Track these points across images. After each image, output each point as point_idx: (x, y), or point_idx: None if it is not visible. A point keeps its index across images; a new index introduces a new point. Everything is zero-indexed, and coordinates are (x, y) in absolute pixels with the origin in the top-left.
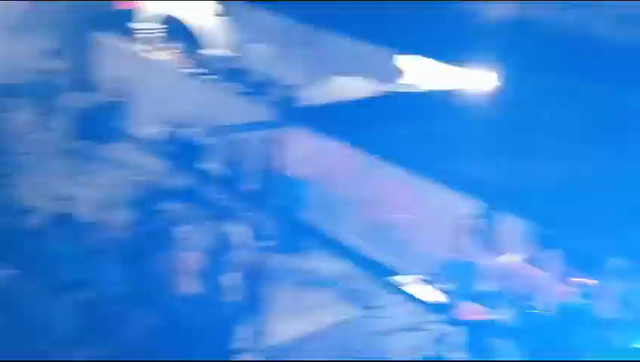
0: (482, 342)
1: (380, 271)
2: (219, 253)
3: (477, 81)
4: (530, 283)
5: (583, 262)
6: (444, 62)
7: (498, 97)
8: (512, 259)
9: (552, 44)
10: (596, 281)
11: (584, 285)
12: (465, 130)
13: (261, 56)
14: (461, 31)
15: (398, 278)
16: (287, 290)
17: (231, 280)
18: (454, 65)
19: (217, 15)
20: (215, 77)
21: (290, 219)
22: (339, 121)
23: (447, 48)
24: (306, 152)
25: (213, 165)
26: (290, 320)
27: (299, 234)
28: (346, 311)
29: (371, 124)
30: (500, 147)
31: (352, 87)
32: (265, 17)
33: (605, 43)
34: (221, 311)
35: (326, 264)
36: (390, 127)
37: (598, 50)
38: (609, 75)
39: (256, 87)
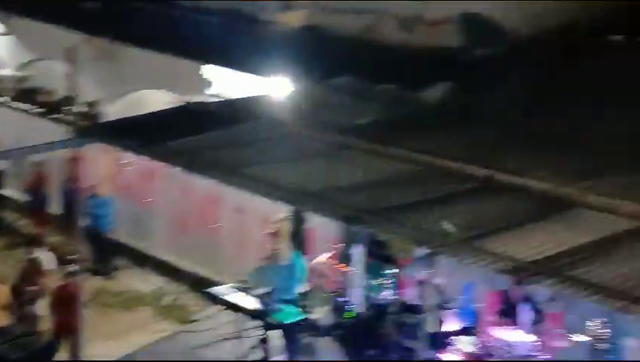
0: (302, 343)
1: (196, 284)
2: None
3: (275, 87)
4: (340, 282)
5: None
6: (243, 70)
7: (297, 102)
8: (322, 258)
9: (340, 49)
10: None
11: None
12: (268, 135)
13: (54, 74)
14: (258, 41)
15: (214, 289)
16: (101, 313)
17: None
18: (253, 73)
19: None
20: (6, 98)
21: (98, 238)
22: (142, 134)
23: (246, 58)
24: (110, 169)
25: (11, 190)
26: (106, 343)
27: (109, 254)
28: (164, 328)
29: (176, 135)
30: (303, 150)
31: (155, 100)
32: (57, 33)
33: (389, 46)
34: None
35: (140, 282)
36: (195, 136)
37: (385, 52)
38: (398, 76)
39: (53, 106)
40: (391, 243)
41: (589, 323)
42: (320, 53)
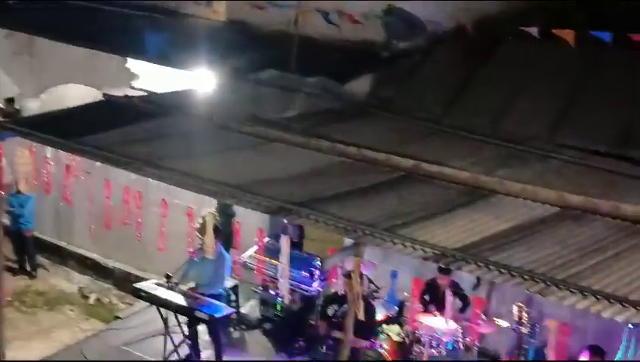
0: (230, 337)
1: (121, 281)
2: None
3: (199, 81)
4: (268, 275)
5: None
6: (166, 65)
7: (221, 96)
8: (249, 252)
9: (264, 43)
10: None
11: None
12: (192, 129)
13: None
14: (181, 34)
15: (139, 285)
16: (25, 312)
17: None
18: (176, 67)
19: None
20: None
21: (20, 237)
22: (63, 129)
23: (168, 52)
24: (30, 165)
25: None
26: (30, 343)
27: (31, 252)
28: (89, 327)
29: (97, 129)
30: (228, 143)
31: (76, 95)
32: None
33: (313, 40)
34: None
35: (64, 280)
36: (117, 130)
37: (309, 46)
38: (323, 70)
39: None
40: (315, 234)
41: (511, 308)
42: (243, 47)
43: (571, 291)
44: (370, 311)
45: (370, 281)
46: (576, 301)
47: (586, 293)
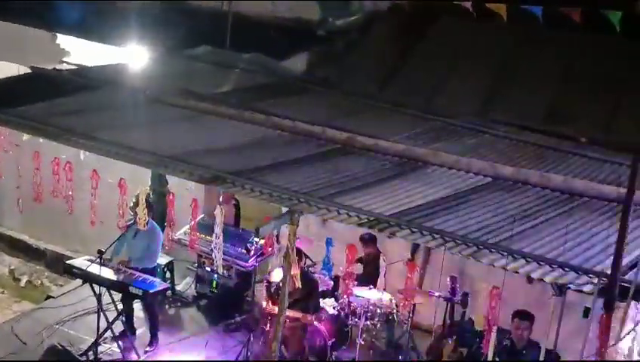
0: (165, 314)
1: (52, 261)
2: None
3: (132, 57)
4: (203, 250)
5: None
6: (99, 41)
7: (155, 70)
8: (184, 228)
9: (199, 20)
10: None
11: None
12: (125, 102)
13: None
14: (114, 11)
15: (71, 262)
16: None
17: None
18: (109, 43)
19: None
20: None
21: None
22: None
23: (101, 28)
24: None
25: None
26: None
27: None
28: (22, 309)
29: (26, 101)
30: (162, 116)
31: (4, 71)
32: None
33: (249, 17)
34: None
35: None
36: (47, 102)
37: (244, 24)
38: (259, 47)
39: None
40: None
41: (444, 280)
42: (177, 24)
43: (502, 254)
44: (313, 284)
45: (306, 256)
46: (507, 263)
47: (516, 256)
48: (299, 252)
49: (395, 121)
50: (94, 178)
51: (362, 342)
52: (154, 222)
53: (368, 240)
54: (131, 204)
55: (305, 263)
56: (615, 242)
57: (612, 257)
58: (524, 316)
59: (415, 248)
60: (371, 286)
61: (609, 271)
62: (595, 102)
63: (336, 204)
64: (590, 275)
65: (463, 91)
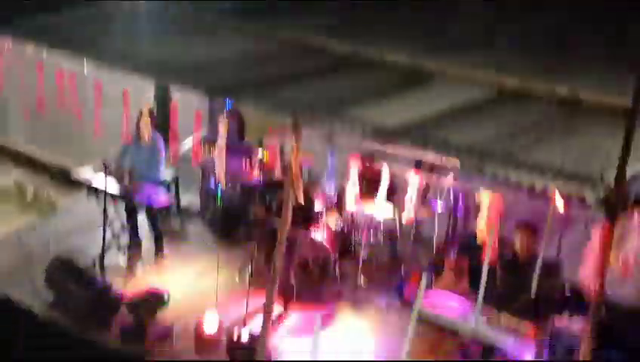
0: (170, 227)
1: (58, 173)
2: None
3: None
4: (208, 164)
5: None
6: None
7: None
8: (188, 141)
9: None
10: None
11: None
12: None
13: None
14: None
15: (76, 174)
16: None
17: None
18: None
19: None
20: None
21: None
22: None
23: None
24: None
25: None
26: None
27: None
28: (28, 221)
29: (27, 12)
30: (166, 28)
31: None
32: None
33: None
34: None
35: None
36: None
37: None
38: None
39: None
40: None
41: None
42: None
43: (506, 165)
44: (311, 198)
45: (309, 172)
46: (510, 174)
47: (519, 167)
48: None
49: (401, 34)
50: (98, 90)
51: (365, 256)
52: (157, 134)
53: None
54: (135, 120)
55: (309, 178)
56: (620, 153)
57: (616, 167)
58: (527, 227)
59: (419, 161)
60: (375, 201)
61: (612, 181)
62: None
63: (340, 116)
64: (593, 185)
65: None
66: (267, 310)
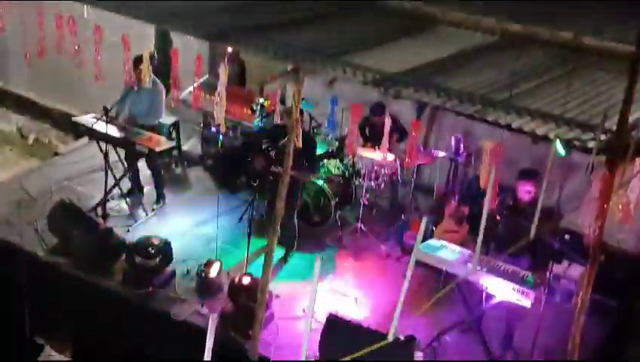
0: (171, 172)
1: (59, 119)
2: None
3: None
4: (208, 110)
5: None
6: None
7: None
8: (189, 88)
9: None
10: None
11: None
12: None
13: None
14: None
15: (77, 119)
16: None
17: None
18: None
19: None
20: None
21: None
22: None
23: None
24: None
25: None
26: None
27: None
28: (30, 166)
29: None
30: None
31: None
32: None
33: None
34: None
35: (1, 121)
36: None
37: None
38: None
39: None
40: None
41: (449, 141)
42: None
43: (508, 111)
44: (311, 144)
45: (311, 117)
46: (511, 120)
47: (521, 113)
48: (302, 111)
49: None
50: (98, 33)
51: (366, 202)
52: (156, 79)
53: (379, 109)
54: (135, 56)
55: (311, 125)
56: (622, 100)
57: (618, 114)
58: (528, 174)
59: (421, 108)
60: (376, 148)
61: (614, 128)
62: None
63: (341, 63)
64: (595, 132)
65: None
66: (268, 255)
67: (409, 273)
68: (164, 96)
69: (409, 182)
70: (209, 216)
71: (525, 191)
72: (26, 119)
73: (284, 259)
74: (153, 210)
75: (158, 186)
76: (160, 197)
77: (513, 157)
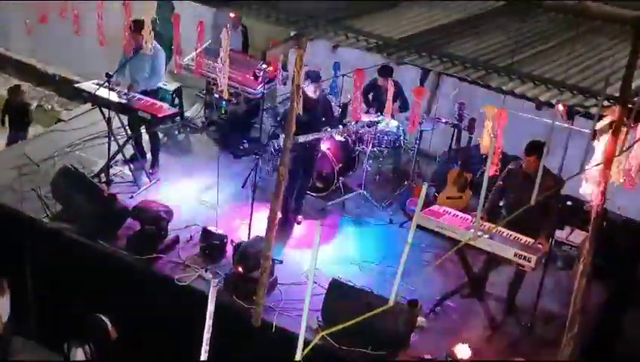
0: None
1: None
2: None
3: None
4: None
5: None
6: None
7: None
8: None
9: None
10: None
11: None
12: None
13: None
14: None
15: (80, 85)
16: None
17: None
18: None
19: None
20: None
21: None
22: None
23: None
24: None
25: None
26: None
27: None
28: (33, 132)
29: None
30: None
31: None
32: None
33: None
34: None
35: (3, 88)
36: None
37: None
38: None
39: None
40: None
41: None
42: None
43: (511, 77)
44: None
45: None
46: (515, 87)
47: (525, 79)
48: (315, 73)
49: None
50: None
51: (369, 168)
52: (157, 44)
53: (387, 74)
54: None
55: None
56: (625, 66)
57: (621, 79)
58: (534, 149)
59: (425, 74)
60: (379, 114)
61: (617, 94)
62: None
63: (344, 28)
64: (598, 97)
65: None
66: (271, 221)
67: (410, 237)
68: (167, 63)
69: (412, 148)
70: (212, 182)
71: (531, 163)
72: (29, 85)
73: (286, 226)
74: (150, 174)
75: (155, 152)
76: (155, 164)
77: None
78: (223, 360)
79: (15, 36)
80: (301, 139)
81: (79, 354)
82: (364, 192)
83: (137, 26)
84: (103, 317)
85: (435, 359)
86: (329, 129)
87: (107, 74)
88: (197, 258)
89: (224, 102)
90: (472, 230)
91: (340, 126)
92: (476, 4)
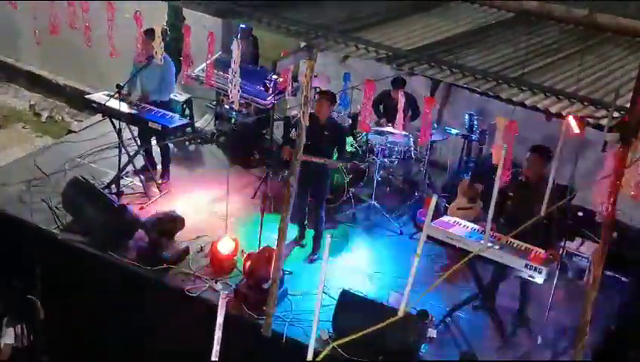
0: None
1: (72, 97)
2: None
3: None
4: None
5: None
6: None
7: None
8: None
9: None
10: None
11: None
12: None
13: None
14: None
15: (90, 97)
16: None
17: None
18: None
19: None
20: None
21: None
22: None
23: None
24: None
25: None
26: None
27: None
28: (43, 143)
29: None
30: None
31: None
32: None
33: None
34: None
35: (14, 98)
36: None
37: None
38: None
39: None
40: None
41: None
42: None
43: (522, 88)
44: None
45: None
46: (525, 98)
47: (535, 90)
48: (332, 95)
49: None
50: (110, 10)
51: (379, 179)
52: (167, 55)
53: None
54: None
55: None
56: (636, 77)
57: (632, 91)
58: (539, 151)
59: (435, 85)
60: (390, 125)
61: (628, 106)
62: None
63: (354, 39)
64: (609, 109)
65: None
66: (281, 232)
67: (419, 249)
68: (177, 74)
69: (422, 159)
70: (222, 193)
71: (536, 168)
72: (39, 96)
73: (299, 241)
74: (160, 184)
75: (165, 163)
76: (165, 174)
77: (527, 135)
78: None
79: (25, 47)
80: (303, 157)
81: (9, 333)
82: (375, 203)
83: (146, 33)
84: (34, 298)
85: None
86: (334, 159)
87: (118, 85)
88: (207, 269)
89: (234, 113)
90: (483, 241)
91: (350, 137)
92: (486, 15)
